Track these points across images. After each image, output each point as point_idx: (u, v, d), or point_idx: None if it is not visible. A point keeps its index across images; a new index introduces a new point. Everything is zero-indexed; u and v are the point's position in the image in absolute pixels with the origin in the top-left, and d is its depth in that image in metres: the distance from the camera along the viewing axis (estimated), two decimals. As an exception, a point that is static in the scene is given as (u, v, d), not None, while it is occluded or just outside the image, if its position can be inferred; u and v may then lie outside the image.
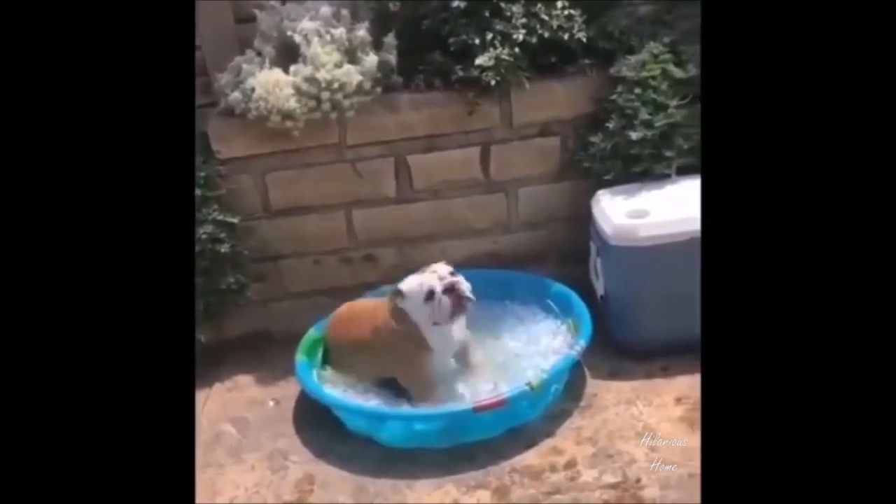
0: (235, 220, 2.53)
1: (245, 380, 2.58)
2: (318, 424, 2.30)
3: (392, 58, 2.53)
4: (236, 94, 2.47)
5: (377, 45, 2.52)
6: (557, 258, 2.68)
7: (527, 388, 2.11)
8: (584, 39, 2.49)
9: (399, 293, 2.22)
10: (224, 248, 2.50)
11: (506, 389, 2.15)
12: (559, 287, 2.53)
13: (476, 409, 2.09)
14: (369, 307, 2.41)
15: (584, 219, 2.53)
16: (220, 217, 2.50)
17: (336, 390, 2.31)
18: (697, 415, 2.18)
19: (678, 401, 2.24)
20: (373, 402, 2.27)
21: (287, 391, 2.48)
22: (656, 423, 2.17)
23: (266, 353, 2.66)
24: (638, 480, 2.00)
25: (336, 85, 2.42)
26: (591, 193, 2.52)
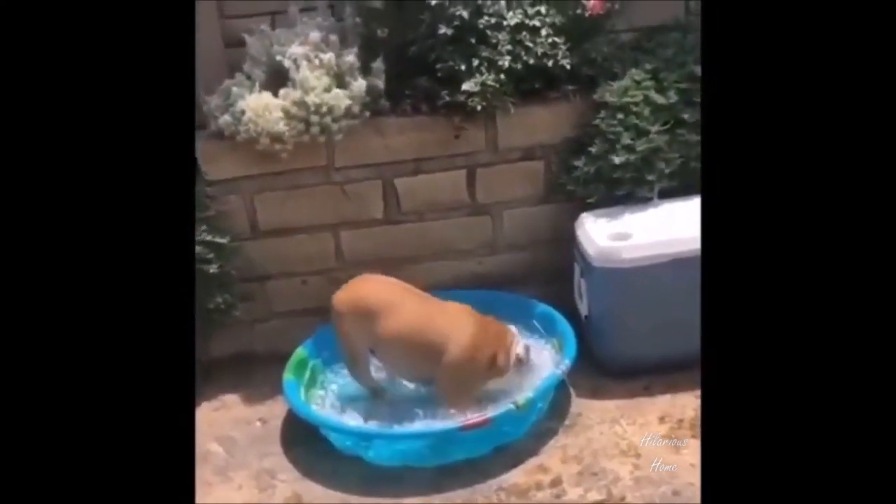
0: (224, 241, 2.55)
1: (232, 399, 2.59)
2: (306, 443, 2.32)
3: (380, 82, 2.57)
4: (226, 117, 2.50)
5: (365, 70, 2.57)
6: (542, 279, 2.73)
7: (512, 407, 2.14)
8: (568, 66, 2.55)
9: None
10: (212, 269, 2.51)
11: (491, 408, 2.18)
12: (543, 308, 2.57)
13: (463, 428, 2.12)
14: (434, 308, 2.36)
15: (567, 241, 2.58)
16: (209, 237, 2.52)
17: (322, 409, 2.34)
18: (680, 433, 2.22)
19: (661, 419, 2.28)
20: (359, 420, 2.29)
21: (274, 410, 2.49)
22: (640, 441, 2.21)
23: (253, 372, 2.67)
24: (623, 498, 2.04)
25: (325, 109, 2.46)
26: (574, 216, 2.57)
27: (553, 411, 2.34)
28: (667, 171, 2.53)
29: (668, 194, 2.56)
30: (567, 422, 2.31)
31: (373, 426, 2.24)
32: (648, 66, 2.58)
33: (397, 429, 2.21)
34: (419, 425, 2.21)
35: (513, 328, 2.32)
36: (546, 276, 2.72)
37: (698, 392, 2.33)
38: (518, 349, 2.26)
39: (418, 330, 2.28)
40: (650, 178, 2.52)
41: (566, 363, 2.31)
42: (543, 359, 2.43)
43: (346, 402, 2.40)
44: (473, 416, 2.15)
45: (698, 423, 2.23)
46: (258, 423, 2.47)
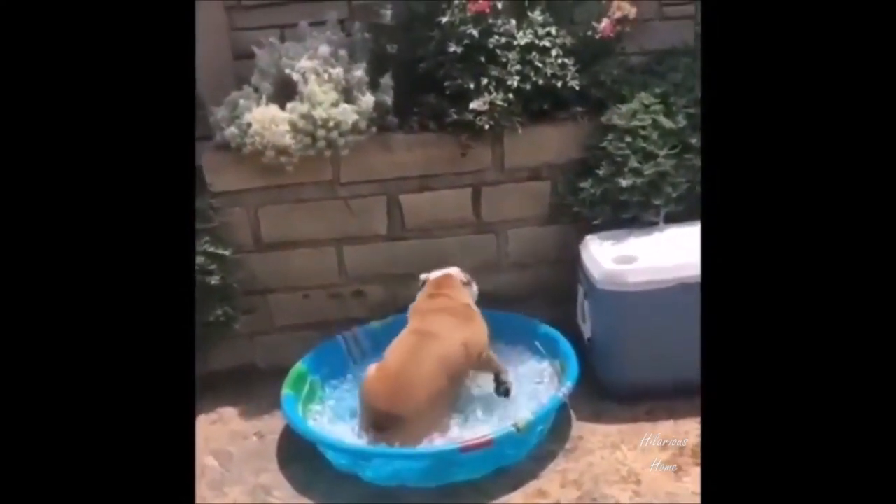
0: (226, 253, 2.54)
1: (230, 412, 2.57)
2: (303, 460, 2.29)
3: (388, 98, 2.57)
4: (232, 129, 2.50)
5: (374, 86, 2.57)
6: (545, 300, 2.71)
7: (513, 429, 2.12)
8: (577, 87, 2.54)
9: None
10: (213, 280, 2.50)
11: (492, 430, 2.15)
12: (546, 329, 2.55)
13: (462, 449, 2.10)
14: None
15: (572, 262, 2.56)
16: (211, 249, 2.51)
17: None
18: (681, 460, 2.20)
19: (663, 445, 2.25)
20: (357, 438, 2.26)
21: (272, 425, 2.47)
22: (641, 468, 2.18)
23: (252, 386, 2.65)
24: (622, 525, 2.01)
25: (332, 123, 2.46)
26: (579, 237, 2.56)
27: (554, 434, 2.31)
28: (674, 195, 2.52)
29: (674, 219, 2.54)
30: (568, 445, 2.29)
31: (371, 445, 2.21)
32: (658, 90, 2.58)
33: (395, 448, 2.18)
34: (419, 445, 2.18)
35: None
36: (550, 296, 2.71)
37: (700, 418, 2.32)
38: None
39: None
40: (657, 202, 2.51)
41: (568, 385, 2.28)
42: (545, 381, 2.42)
43: (345, 418, 2.37)
44: (474, 438, 2.13)
45: (699, 451, 2.21)
46: (255, 438, 2.45)
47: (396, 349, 2.32)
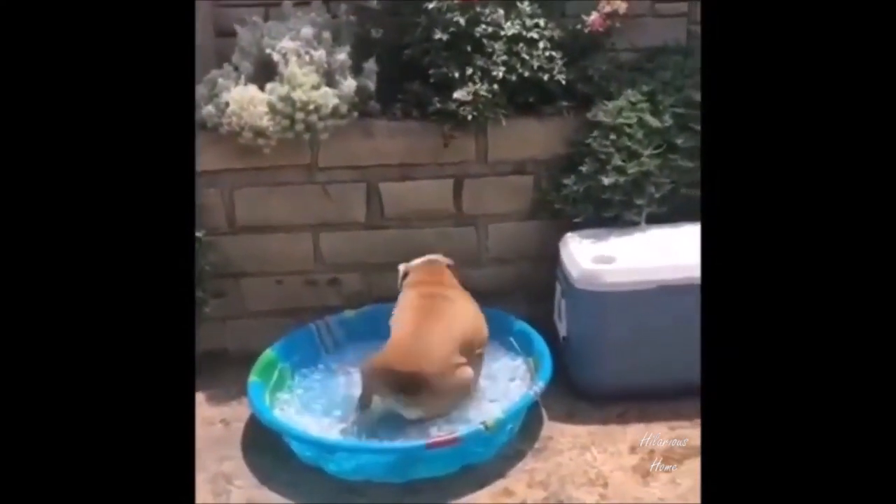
0: (199, 234, 2.49)
1: (197, 397, 2.51)
2: (267, 449, 2.25)
3: (371, 83, 2.51)
4: (209, 108, 2.44)
5: (357, 70, 2.51)
6: (523, 296, 2.67)
7: (482, 427, 2.08)
8: (564, 81, 2.50)
9: None
10: (185, 262, 2.45)
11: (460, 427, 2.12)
12: (522, 325, 2.51)
13: (429, 446, 2.06)
14: None
15: (552, 258, 2.52)
16: (184, 230, 2.45)
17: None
18: (650, 465, 2.17)
19: (632, 449, 2.23)
20: (325, 429, 2.22)
21: (239, 412, 2.42)
22: (609, 471, 2.16)
23: (221, 371, 2.60)
24: (586, 529, 1.98)
25: (311, 107, 2.40)
26: (560, 234, 2.52)
27: (524, 433, 2.28)
28: (657, 195, 2.48)
29: (656, 219, 2.51)
30: (537, 445, 2.26)
31: (336, 437, 2.17)
32: (645, 88, 2.54)
33: (361, 442, 2.14)
34: (384, 440, 2.15)
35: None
36: (528, 293, 2.67)
37: (672, 423, 2.29)
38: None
39: None
40: (639, 201, 2.47)
41: (539, 384, 2.25)
42: (517, 378, 2.39)
43: (313, 409, 2.33)
44: (441, 435, 2.09)
45: (669, 455, 2.19)
46: (220, 425, 2.40)
47: (409, 311, 2.29)
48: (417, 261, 2.47)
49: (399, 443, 2.12)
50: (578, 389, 2.41)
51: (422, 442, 2.08)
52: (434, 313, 2.27)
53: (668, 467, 2.14)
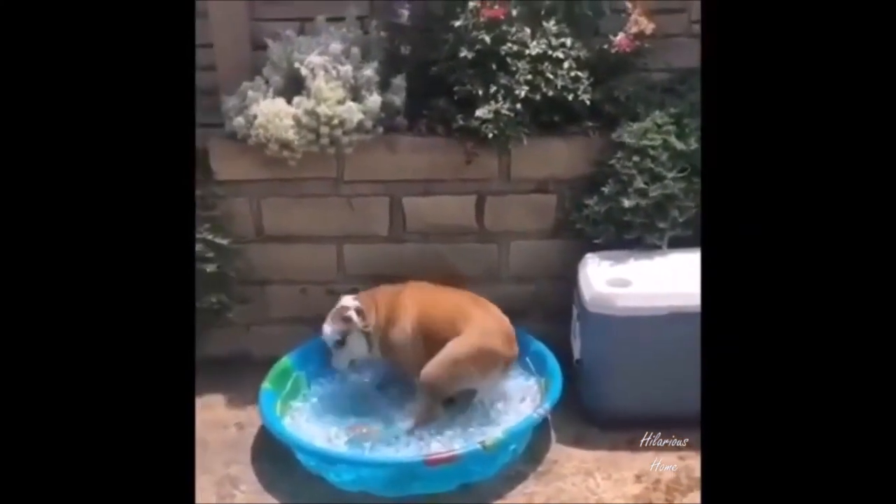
0: (225, 242, 2.56)
1: (215, 400, 2.58)
2: (274, 456, 2.29)
3: (398, 99, 2.54)
4: (239, 119, 2.51)
5: (385, 86, 2.54)
6: (541, 315, 2.65)
7: (479, 447, 2.08)
8: (588, 102, 2.47)
9: None
10: (210, 268, 2.52)
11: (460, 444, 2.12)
12: (538, 345, 2.50)
13: (427, 462, 2.07)
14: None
15: (572, 279, 2.50)
16: (210, 237, 2.53)
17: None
18: (654, 495, 2.13)
19: (638, 478, 2.19)
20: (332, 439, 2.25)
21: (254, 417, 2.47)
22: (611, 498, 2.12)
23: (243, 375, 2.65)
24: (580, 558, 1.95)
25: (336, 121, 2.44)
26: (581, 254, 2.49)
27: (528, 455, 2.26)
28: (680, 219, 2.43)
29: (680, 243, 2.46)
30: (541, 468, 2.24)
31: (338, 448, 2.20)
32: (673, 110, 2.49)
33: (362, 455, 2.16)
34: (386, 454, 2.16)
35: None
36: (546, 312, 2.65)
37: (682, 453, 2.24)
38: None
39: None
40: (661, 225, 2.43)
41: (545, 406, 2.23)
42: (527, 399, 2.37)
43: (324, 418, 2.36)
44: (439, 452, 2.09)
45: (675, 486, 2.14)
46: (234, 429, 2.46)
47: (469, 306, 2.39)
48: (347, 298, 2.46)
49: (398, 457, 2.14)
50: (590, 413, 2.38)
51: (420, 458, 2.09)
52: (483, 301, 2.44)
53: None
